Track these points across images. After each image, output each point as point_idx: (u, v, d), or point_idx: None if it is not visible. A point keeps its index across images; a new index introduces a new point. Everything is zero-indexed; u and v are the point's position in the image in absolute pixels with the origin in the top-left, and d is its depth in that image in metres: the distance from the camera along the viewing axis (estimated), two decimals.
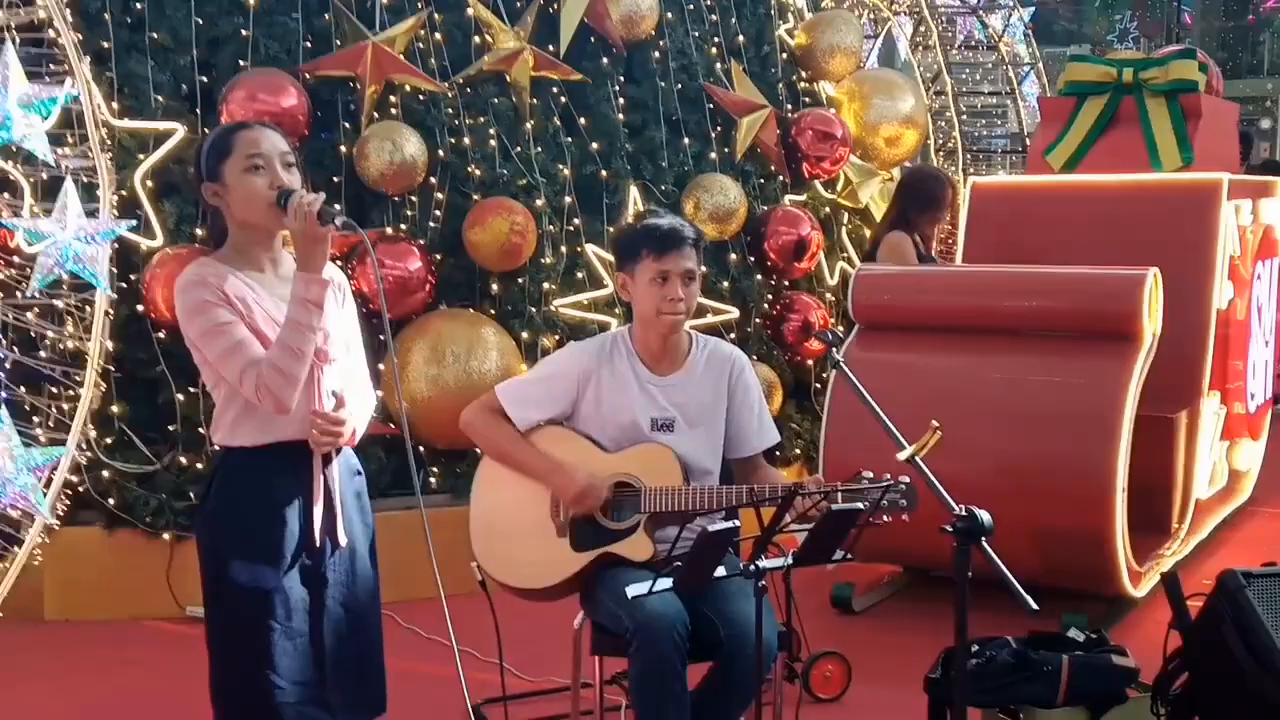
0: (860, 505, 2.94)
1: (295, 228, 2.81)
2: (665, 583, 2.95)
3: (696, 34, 6.89)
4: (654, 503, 3.41)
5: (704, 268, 3.63)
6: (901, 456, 3.00)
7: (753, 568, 2.90)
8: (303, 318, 2.82)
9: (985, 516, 2.80)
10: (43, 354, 4.97)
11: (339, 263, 3.03)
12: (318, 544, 2.93)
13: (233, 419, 2.92)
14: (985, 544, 2.81)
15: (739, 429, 3.60)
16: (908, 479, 3.15)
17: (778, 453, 3.81)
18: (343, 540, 2.98)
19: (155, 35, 5.67)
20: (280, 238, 2.96)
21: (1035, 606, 2.76)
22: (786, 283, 6.99)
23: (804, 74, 7.52)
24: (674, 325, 3.48)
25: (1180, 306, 5.26)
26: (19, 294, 4.78)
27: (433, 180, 5.91)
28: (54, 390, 4.88)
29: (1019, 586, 2.76)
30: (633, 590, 3.02)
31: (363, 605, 3.05)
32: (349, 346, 3.06)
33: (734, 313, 6.61)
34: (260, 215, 2.89)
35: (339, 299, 3.02)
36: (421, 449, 5.64)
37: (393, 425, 5.24)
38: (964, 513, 2.81)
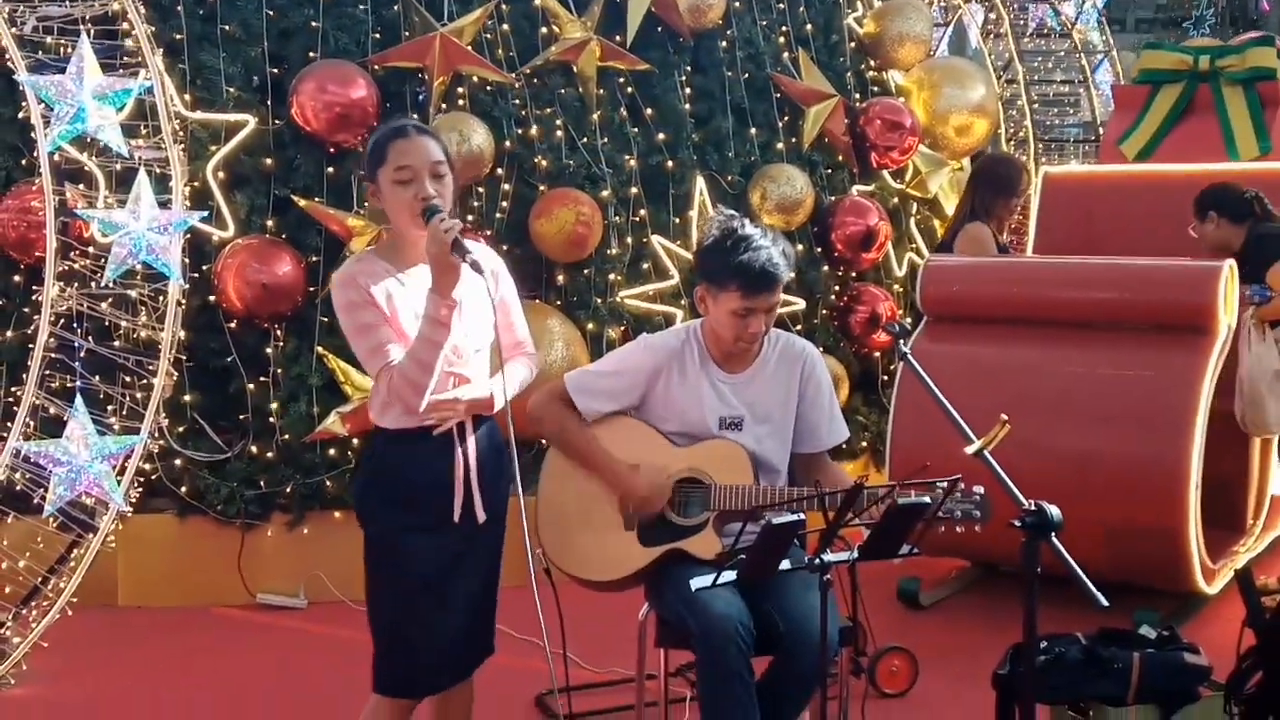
0: (927, 500, 2.91)
1: (430, 250, 2.96)
2: (729, 575, 2.94)
3: (764, 23, 6.85)
4: (723, 500, 3.40)
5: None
6: (970, 450, 2.97)
7: (817, 561, 2.88)
8: (430, 334, 2.99)
9: (1055, 511, 2.76)
10: (117, 343, 5.03)
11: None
12: (455, 518, 3.11)
13: (381, 403, 3.12)
14: (1055, 539, 2.78)
15: (808, 426, 3.57)
16: (982, 489, 3.11)
17: (844, 445, 3.77)
18: (480, 516, 3.15)
19: (227, 27, 5.72)
20: None
21: (1106, 603, 2.73)
22: (854, 274, 6.95)
23: (873, 63, 7.47)
24: (747, 351, 3.48)
25: None
26: (94, 284, 4.84)
27: (499, 171, 5.93)
28: (127, 379, 4.94)
29: (1090, 584, 2.73)
30: (696, 583, 3.01)
31: (490, 571, 3.24)
32: (510, 324, 3.27)
33: (801, 304, 6.58)
34: (406, 224, 3.07)
35: (493, 287, 3.13)
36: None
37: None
38: (1033, 507, 2.78)
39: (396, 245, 3.15)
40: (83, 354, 4.90)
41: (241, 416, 5.55)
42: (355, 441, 5.46)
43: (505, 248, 5.91)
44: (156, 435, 5.01)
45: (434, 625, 3.13)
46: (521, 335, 3.34)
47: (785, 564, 2.95)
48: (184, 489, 5.40)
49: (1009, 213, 6.37)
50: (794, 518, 2.84)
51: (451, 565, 3.13)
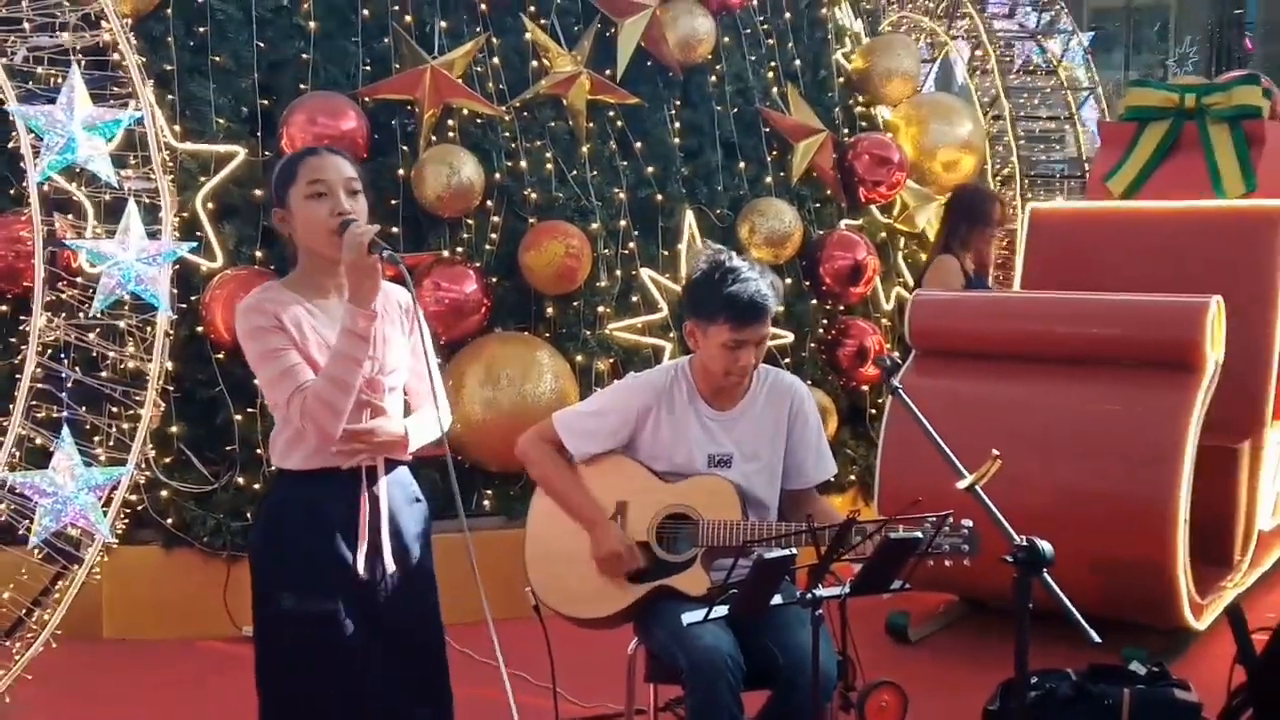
0: (919, 534, 2.91)
1: (347, 258, 2.82)
2: (721, 610, 2.93)
3: (753, 58, 6.88)
4: (711, 536, 3.39)
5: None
6: (962, 485, 2.97)
7: (809, 596, 2.87)
8: (348, 349, 2.83)
9: (1047, 547, 2.76)
10: (104, 374, 5.01)
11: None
12: (361, 569, 2.93)
13: (286, 441, 2.96)
14: (1046, 575, 2.78)
15: (796, 462, 3.57)
16: (970, 523, 3.11)
17: (832, 479, 3.77)
18: (390, 566, 2.97)
19: (217, 59, 5.73)
20: None
21: (1098, 639, 2.72)
22: (842, 307, 6.96)
23: (861, 98, 7.50)
24: (738, 385, 3.48)
25: (1243, 335, 5.19)
26: (81, 314, 4.83)
27: (489, 203, 5.94)
28: (114, 410, 4.92)
29: (1081, 619, 2.72)
30: (688, 618, 3.00)
31: (418, 630, 3.04)
32: (419, 372, 3.07)
33: (789, 337, 6.58)
34: (321, 243, 2.91)
35: (405, 326, 3.03)
36: (474, 471, 5.65)
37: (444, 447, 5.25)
38: (1025, 543, 2.78)
39: (307, 274, 2.97)
40: (70, 384, 4.88)
41: (229, 448, 5.53)
42: None
43: (494, 279, 5.92)
44: (143, 466, 4.99)
45: (341, 690, 2.91)
46: (434, 387, 3.08)
47: (777, 599, 2.95)
48: (170, 520, 5.38)
49: (985, 243, 6.41)
50: (786, 553, 2.83)
51: (365, 625, 2.93)
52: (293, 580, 2.91)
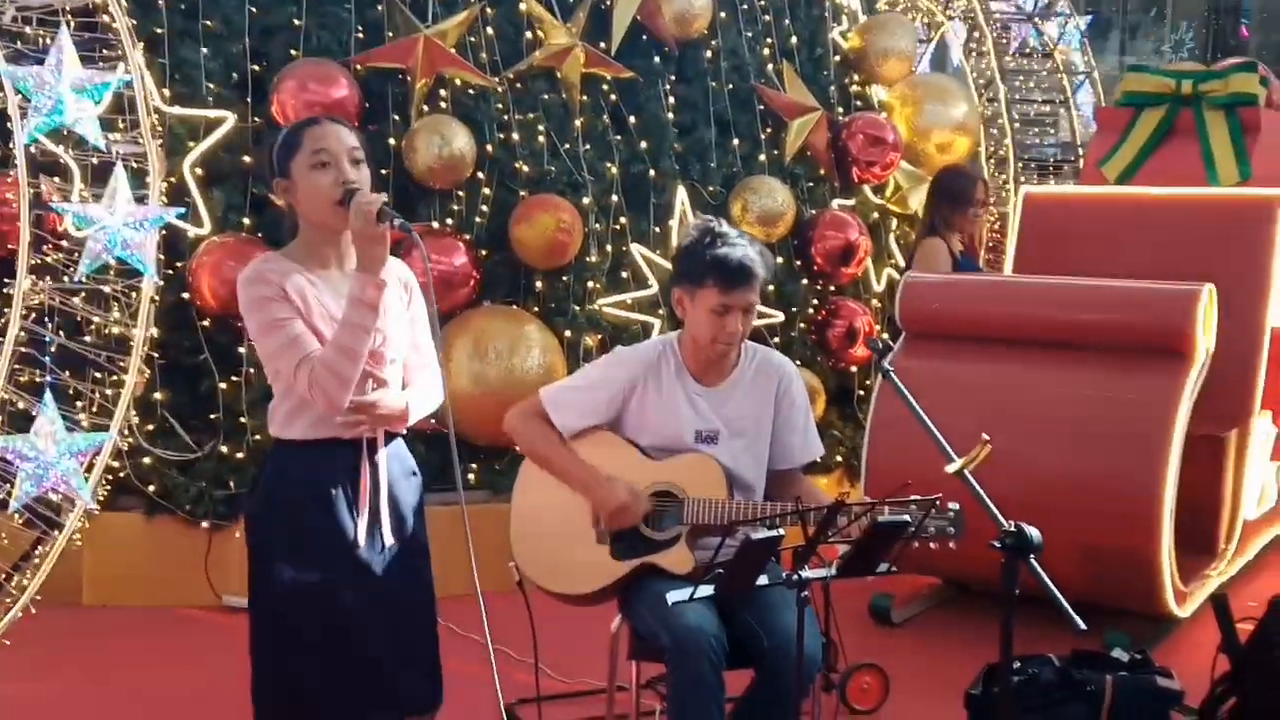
0: (907, 518, 2.90)
1: (355, 227, 2.81)
2: (706, 590, 2.91)
3: (749, 35, 6.84)
4: (696, 514, 3.37)
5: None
6: (951, 469, 2.95)
7: (795, 577, 2.86)
8: (357, 319, 2.82)
9: (1034, 533, 2.74)
10: (88, 339, 4.99)
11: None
12: (361, 540, 2.93)
13: (287, 412, 2.94)
14: (1033, 561, 2.76)
15: (783, 442, 3.55)
16: (957, 505, 3.10)
17: (818, 460, 3.75)
18: (388, 539, 2.97)
19: (208, 23, 5.68)
20: (348, 235, 2.92)
21: (1084, 626, 2.71)
22: (833, 288, 6.94)
23: (856, 77, 7.47)
24: (726, 354, 3.45)
25: (1233, 324, 5.17)
26: (66, 278, 4.79)
27: (480, 175, 5.90)
28: (98, 375, 4.90)
29: (1068, 606, 2.71)
30: (673, 596, 2.98)
31: (413, 602, 3.05)
32: (417, 344, 3.07)
33: (779, 317, 6.56)
34: (325, 213, 2.89)
35: (405, 298, 3.03)
36: (460, 445, 5.62)
37: (433, 420, 5.23)
38: (1013, 528, 2.76)
39: (308, 244, 2.95)
40: (53, 349, 4.85)
41: (212, 416, 5.50)
42: None
43: (484, 253, 5.89)
44: (126, 433, 4.96)
45: (335, 657, 2.92)
46: (428, 359, 3.12)
47: (763, 579, 2.93)
48: (152, 488, 5.34)
49: (969, 223, 6.40)
50: (773, 534, 2.81)
51: (361, 594, 2.93)
52: (293, 551, 2.91)
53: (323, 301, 2.89)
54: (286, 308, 2.85)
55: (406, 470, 3.08)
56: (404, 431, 3.08)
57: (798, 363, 6.29)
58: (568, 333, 5.94)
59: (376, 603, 2.96)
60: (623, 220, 6.20)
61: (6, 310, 4.75)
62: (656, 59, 6.48)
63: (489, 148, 5.92)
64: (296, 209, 2.95)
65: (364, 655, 2.95)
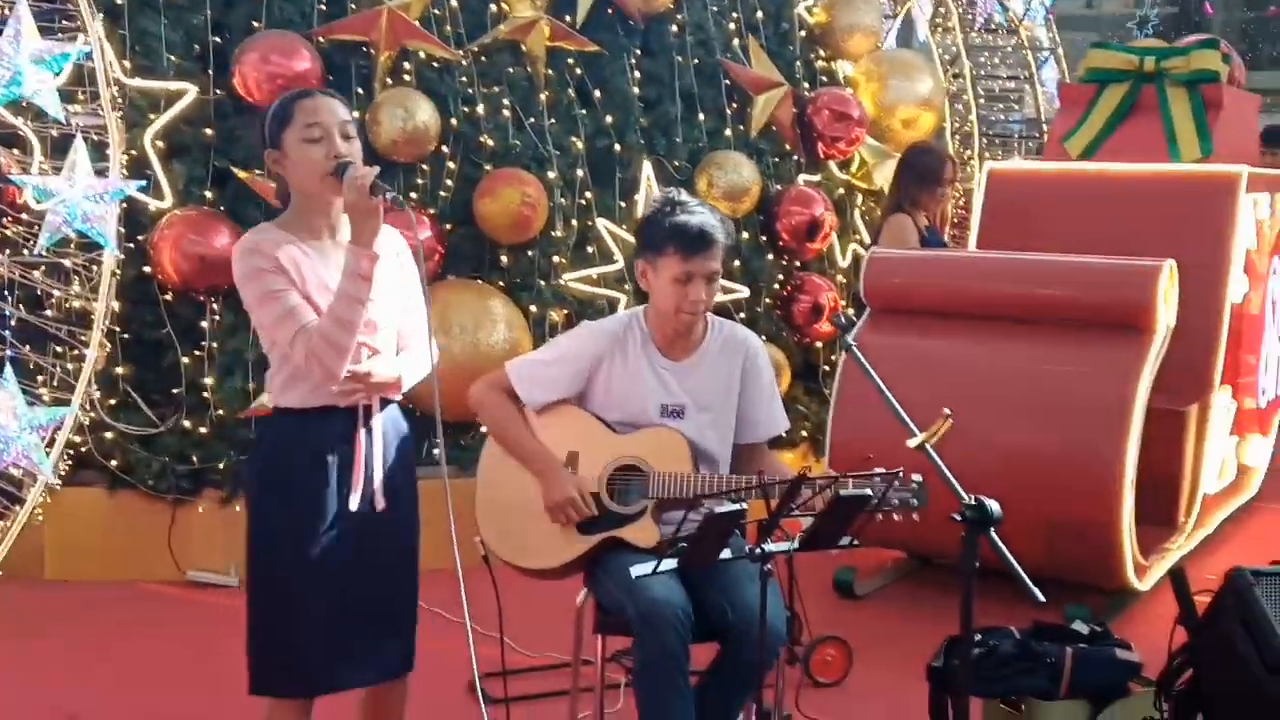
0: (869, 492, 2.91)
1: (349, 200, 2.86)
2: (670, 563, 2.92)
3: (715, 9, 6.82)
4: (662, 488, 3.38)
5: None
6: (912, 444, 2.97)
7: (758, 551, 2.87)
8: (352, 290, 2.88)
9: (995, 506, 2.77)
10: (49, 313, 4.95)
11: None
12: (354, 505, 2.99)
13: (284, 380, 3.00)
14: (994, 534, 2.79)
15: (748, 416, 3.56)
16: (920, 477, 3.12)
17: (783, 435, 3.77)
18: (380, 503, 3.04)
19: None
20: (339, 206, 2.97)
21: (1043, 599, 2.74)
22: (798, 263, 6.95)
23: (822, 52, 7.47)
24: (691, 324, 3.46)
25: (1195, 299, 5.21)
26: (26, 251, 4.75)
27: (445, 149, 5.87)
28: (59, 350, 4.86)
29: (1027, 579, 2.73)
30: (637, 570, 2.99)
31: (400, 566, 3.12)
32: (407, 309, 3.13)
33: (744, 292, 6.57)
34: (317, 185, 2.93)
35: (398, 263, 3.09)
36: (426, 419, 5.60)
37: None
38: (974, 502, 2.78)
39: (300, 217, 3.00)
40: (13, 323, 4.81)
41: (175, 390, 5.46)
42: None
43: (449, 227, 5.87)
44: (87, 407, 4.93)
45: (323, 618, 2.98)
46: (420, 324, 3.18)
47: (726, 553, 2.94)
48: (114, 462, 5.31)
49: (935, 202, 6.41)
50: (736, 507, 2.82)
51: (352, 558, 2.99)
52: (290, 516, 2.98)
53: (316, 271, 2.94)
54: (282, 279, 2.90)
55: (399, 434, 3.15)
56: (398, 398, 3.15)
57: (763, 338, 6.30)
58: (533, 308, 5.93)
59: (367, 567, 3.03)
60: (588, 195, 6.19)
61: None
62: (622, 33, 6.45)
63: (453, 121, 5.89)
64: (288, 180, 3.00)
65: (352, 618, 3.02)
